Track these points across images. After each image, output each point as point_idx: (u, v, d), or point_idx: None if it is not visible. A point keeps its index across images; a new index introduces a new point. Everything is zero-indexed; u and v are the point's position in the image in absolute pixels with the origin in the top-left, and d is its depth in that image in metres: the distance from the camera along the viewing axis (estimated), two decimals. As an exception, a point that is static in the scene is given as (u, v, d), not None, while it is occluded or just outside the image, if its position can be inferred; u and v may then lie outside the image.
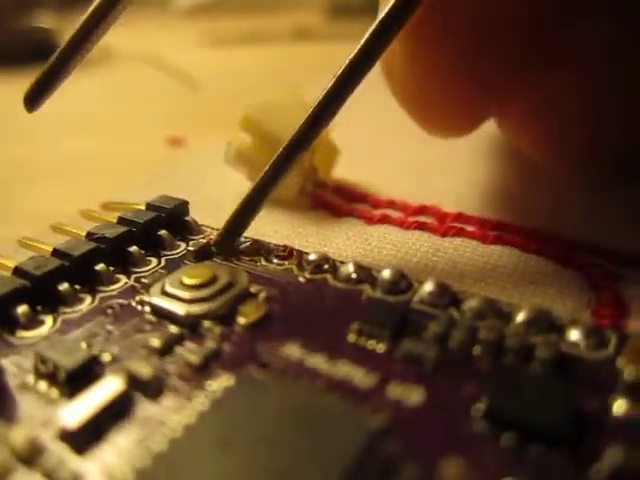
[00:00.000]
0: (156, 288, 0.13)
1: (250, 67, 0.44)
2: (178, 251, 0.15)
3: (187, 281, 0.12)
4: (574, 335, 0.10)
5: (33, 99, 0.14)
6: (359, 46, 0.13)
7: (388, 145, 0.23)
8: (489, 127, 0.16)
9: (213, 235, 0.15)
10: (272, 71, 0.41)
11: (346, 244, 0.16)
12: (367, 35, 0.13)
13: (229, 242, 0.14)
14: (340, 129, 0.19)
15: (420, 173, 0.20)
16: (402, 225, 0.17)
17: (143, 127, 0.31)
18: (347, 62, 0.13)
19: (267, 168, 0.14)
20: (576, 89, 0.14)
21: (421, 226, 0.16)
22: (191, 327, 0.11)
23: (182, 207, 0.16)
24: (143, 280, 0.13)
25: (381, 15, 0.13)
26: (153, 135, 0.28)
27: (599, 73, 0.14)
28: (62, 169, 0.25)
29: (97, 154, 0.27)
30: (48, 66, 0.14)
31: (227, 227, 0.14)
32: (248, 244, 0.15)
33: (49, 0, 0.57)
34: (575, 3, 0.13)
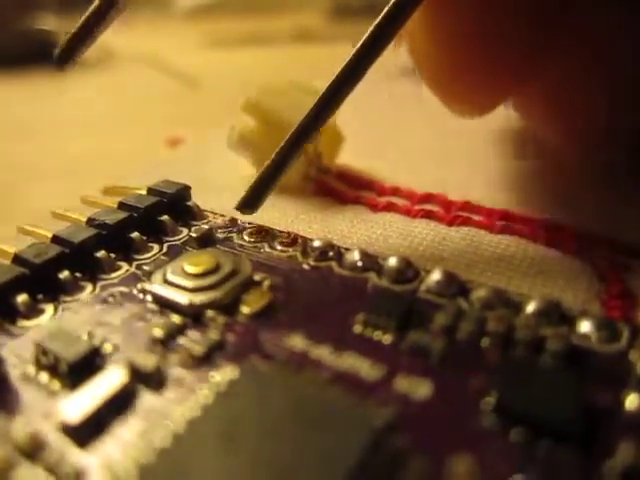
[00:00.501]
0: (158, 276, 0.12)
1: (251, 68, 0.44)
2: (180, 237, 0.14)
3: (189, 269, 0.12)
4: (585, 327, 0.10)
5: (64, 57, 0.15)
6: (370, 29, 0.13)
7: (394, 132, 0.23)
8: (498, 116, 0.16)
9: (217, 220, 0.15)
10: (273, 72, 0.40)
11: (351, 231, 0.16)
12: (379, 18, 0.13)
13: (255, 200, 0.14)
14: (346, 115, 0.19)
15: (426, 161, 0.20)
16: (408, 213, 0.16)
17: (144, 128, 0.31)
18: (359, 45, 0.13)
19: (293, 130, 0.14)
20: (591, 69, 0.14)
21: (427, 214, 0.16)
22: (194, 317, 0.11)
23: (184, 192, 0.16)
24: (145, 267, 0.13)
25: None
26: (154, 136, 0.28)
27: (614, 54, 0.13)
28: (63, 169, 0.25)
29: (98, 154, 0.26)
30: (82, 22, 0.14)
31: (254, 185, 0.14)
32: (251, 230, 0.14)
33: (50, 2, 0.56)
34: None
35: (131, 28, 0.60)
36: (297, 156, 0.14)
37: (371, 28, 0.13)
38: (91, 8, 0.14)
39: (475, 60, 0.14)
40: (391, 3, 0.13)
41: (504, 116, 0.17)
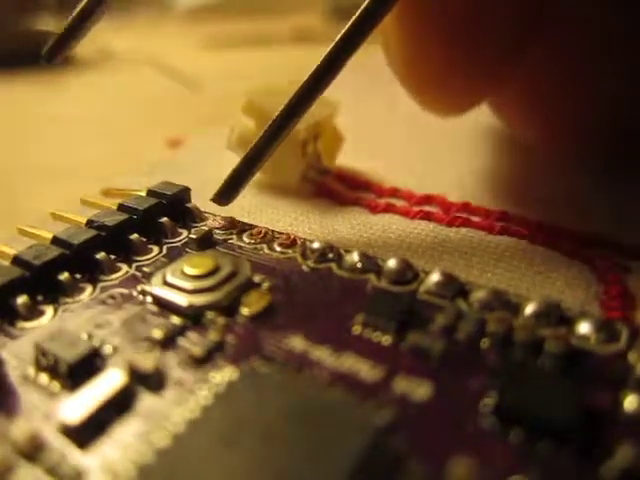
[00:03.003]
0: (157, 278, 0.12)
1: (250, 69, 0.44)
2: (180, 239, 0.15)
3: (189, 271, 0.12)
4: (584, 328, 0.10)
5: (52, 52, 0.15)
6: (351, 21, 0.13)
7: (393, 133, 0.23)
8: (494, 119, 0.16)
9: (216, 222, 0.15)
10: (273, 73, 0.40)
11: (350, 233, 0.16)
12: (358, 12, 0.13)
13: (229, 193, 0.14)
14: (345, 117, 0.19)
15: (425, 162, 0.20)
16: (407, 214, 0.16)
17: (144, 128, 0.31)
18: (339, 36, 0.13)
19: (267, 126, 0.14)
20: (565, 69, 0.14)
21: (426, 216, 0.16)
22: (194, 318, 0.11)
23: (184, 193, 0.16)
24: (144, 269, 0.13)
25: None
26: (154, 136, 0.28)
27: (588, 54, 0.13)
28: (63, 169, 0.25)
29: (97, 155, 0.26)
30: (69, 21, 0.15)
31: (229, 180, 0.14)
32: (251, 231, 0.14)
33: (50, 3, 0.56)
34: None
35: (131, 29, 0.60)
36: (274, 149, 0.14)
37: (348, 24, 0.13)
38: (80, 6, 0.14)
39: (450, 60, 0.14)
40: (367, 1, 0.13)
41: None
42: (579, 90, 0.14)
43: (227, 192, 0.14)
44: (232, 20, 0.64)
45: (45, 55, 0.15)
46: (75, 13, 0.15)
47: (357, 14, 0.13)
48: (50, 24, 0.51)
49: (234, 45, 0.54)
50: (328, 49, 0.13)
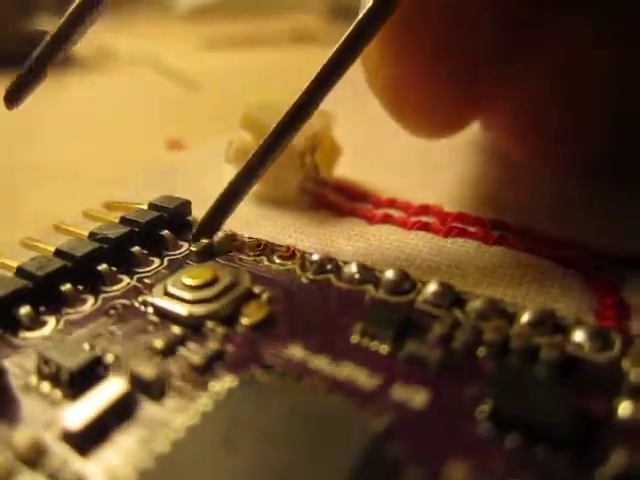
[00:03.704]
0: (159, 289, 0.12)
1: (250, 70, 0.44)
2: (181, 251, 0.15)
3: (189, 282, 0.12)
4: (579, 336, 0.10)
5: (13, 97, 0.15)
6: (341, 41, 0.13)
7: (390, 144, 0.23)
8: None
9: (216, 234, 0.15)
10: (272, 74, 0.41)
11: (348, 244, 0.16)
12: (348, 32, 0.13)
13: (212, 227, 0.15)
14: (343, 128, 0.19)
15: (422, 172, 0.20)
16: (404, 225, 0.17)
17: (144, 130, 0.31)
18: (331, 55, 0.14)
19: (251, 155, 0.14)
20: (551, 88, 0.14)
21: (423, 226, 0.16)
22: (194, 328, 0.11)
23: (184, 207, 0.16)
24: (146, 280, 0.13)
25: (361, 13, 0.13)
26: (154, 138, 0.28)
27: (573, 72, 0.14)
28: (63, 171, 0.25)
29: (97, 156, 0.27)
30: (28, 65, 0.15)
31: (210, 213, 0.15)
32: (250, 244, 0.15)
33: (50, 4, 0.57)
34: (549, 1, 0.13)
35: (130, 29, 0.61)
36: (256, 180, 0.14)
37: (345, 36, 0.13)
38: (41, 45, 0.15)
39: (433, 83, 0.14)
40: (359, 17, 0.13)
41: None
42: (565, 107, 0.14)
43: (209, 226, 0.15)
44: (232, 20, 0.65)
45: (7, 98, 0.15)
46: (37, 50, 0.15)
47: (353, 26, 0.13)
48: (50, 24, 0.52)
49: (234, 45, 0.54)
50: (324, 62, 0.14)
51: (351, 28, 0.13)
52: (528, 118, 0.15)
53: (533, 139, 0.15)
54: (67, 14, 0.15)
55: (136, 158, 0.25)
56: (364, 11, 0.13)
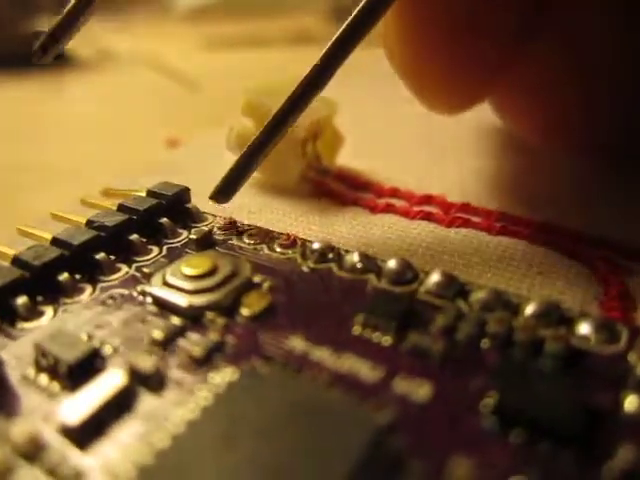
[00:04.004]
0: (157, 278, 0.12)
1: (250, 69, 0.44)
2: (180, 239, 0.15)
3: (189, 271, 0.12)
4: (584, 329, 0.10)
5: (43, 51, 0.15)
6: (345, 24, 0.13)
7: (393, 133, 0.23)
8: (495, 119, 0.16)
9: (216, 222, 0.15)
10: (272, 74, 0.40)
11: (350, 233, 0.16)
12: (355, 11, 0.13)
13: (228, 191, 0.14)
14: (345, 116, 0.19)
15: (425, 162, 0.20)
16: (407, 215, 0.16)
17: (143, 129, 0.31)
18: (337, 34, 0.13)
19: (265, 124, 0.14)
20: (567, 68, 0.14)
21: (426, 216, 0.16)
22: (193, 318, 0.11)
23: (183, 194, 0.16)
24: (144, 269, 0.13)
25: None
26: (153, 137, 0.28)
27: (590, 51, 0.13)
28: (63, 170, 0.25)
29: (97, 155, 0.26)
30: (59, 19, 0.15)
31: (227, 178, 0.14)
32: (251, 232, 0.14)
33: (49, 5, 0.56)
34: None
35: (130, 29, 0.60)
36: (272, 146, 0.14)
37: (346, 22, 0.13)
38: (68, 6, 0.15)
39: (452, 59, 0.14)
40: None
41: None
42: (581, 88, 0.14)
43: (225, 190, 0.14)
44: (232, 20, 0.65)
45: (35, 54, 0.15)
46: (64, 12, 0.15)
47: (355, 13, 0.13)
48: (50, 25, 0.51)
49: (234, 45, 0.54)
50: (326, 47, 0.13)
51: (358, 8, 0.13)
52: (543, 98, 0.15)
53: (547, 119, 0.15)
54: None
55: (136, 158, 0.25)
56: None
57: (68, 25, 0.15)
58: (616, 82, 0.14)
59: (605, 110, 0.15)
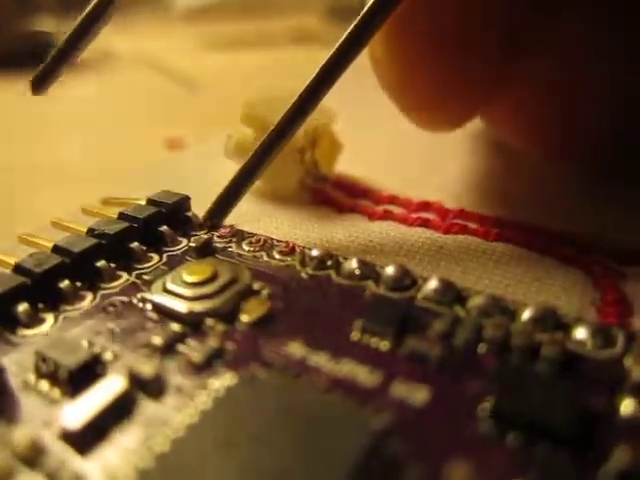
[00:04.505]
0: (158, 285, 0.12)
1: (249, 70, 0.44)
2: (180, 247, 0.15)
3: (189, 278, 0.12)
4: (580, 333, 0.10)
5: (39, 83, 0.15)
6: (343, 37, 0.13)
7: (390, 140, 0.23)
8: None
9: (216, 230, 0.15)
10: (271, 74, 0.41)
11: (348, 240, 0.16)
12: (351, 26, 0.13)
13: (218, 216, 0.15)
14: (343, 124, 0.19)
15: (422, 169, 0.20)
16: (404, 222, 0.16)
17: (143, 129, 0.31)
18: (333, 51, 0.13)
19: (256, 148, 0.14)
20: (556, 84, 0.14)
21: (424, 223, 0.16)
22: (193, 325, 0.11)
23: (183, 202, 0.16)
24: (144, 277, 0.13)
25: (366, 6, 0.13)
26: (153, 138, 0.28)
27: (577, 69, 0.14)
28: (62, 171, 0.25)
29: (97, 156, 0.27)
30: (54, 52, 0.15)
31: (217, 202, 0.15)
32: (250, 239, 0.15)
33: (49, 4, 0.57)
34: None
35: (130, 29, 0.60)
36: (267, 165, 0.14)
37: (347, 32, 0.13)
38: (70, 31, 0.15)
39: (441, 80, 0.14)
40: (363, 11, 0.13)
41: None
42: (570, 103, 0.14)
43: (218, 211, 0.15)
44: (232, 20, 0.65)
45: (33, 84, 0.15)
46: (64, 38, 0.15)
47: (354, 23, 0.13)
48: (50, 24, 0.51)
49: (234, 45, 0.54)
50: (326, 58, 0.13)
51: (356, 20, 0.13)
52: (532, 112, 0.15)
53: (536, 132, 0.15)
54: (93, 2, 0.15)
55: (136, 158, 0.25)
56: (369, 3, 0.13)
57: (64, 57, 0.15)
58: (604, 97, 0.14)
59: (593, 124, 0.15)
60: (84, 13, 0.15)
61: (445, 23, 0.14)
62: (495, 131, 0.18)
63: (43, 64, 0.15)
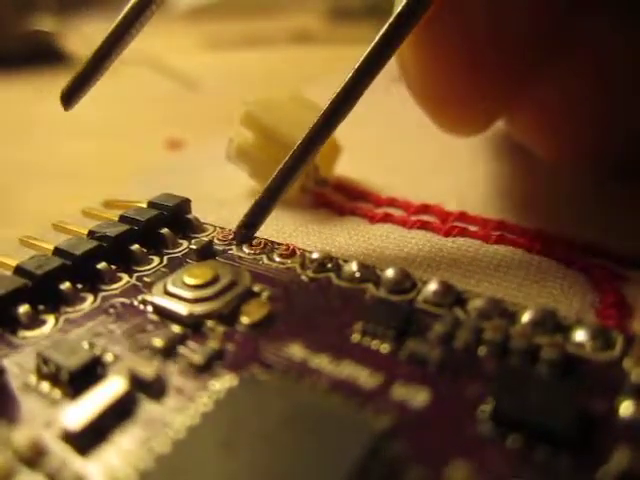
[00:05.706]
0: (158, 287, 0.12)
1: (250, 70, 0.44)
2: (180, 249, 0.15)
3: (189, 280, 0.12)
4: (580, 336, 0.10)
5: (69, 97, 0.15)
6: (372, 45, 0.13)
7: (390, 143, 0.23)
8: (493, 127, 0.16)
9: (216, 233, 0.15)
10: (272, 74, 0.41)
11: (348, 243, 0.16)
12: (380, 34, 0.13)
13: (249, 233, 0.15)
14: (343, 127, 0.19)
15: (422, 171, 0.20)
16: (404, 224, 0.16)
17: (143, 129, 0.31)
18: (360, 61, 0.13)
19: (282, 163, 0.14)
20: (586, 90, 0.14)
21: (424, 225, 0.16)
22: (194, 327, 0.11)
23: (184, 205, 0.16)
24: (145, 279, 0.13)
25: (395, 13, 0.13)
26: (153, 137, 0.28)
27: (608, 74, 0.14)
28: (62, 171, 0.25)
29: (97, 156, 0.27)
30: (83, 65, 0.15)
31: (247, 219, 0.15)
32: (251, 242, 0.15)
33: (49, 4, 0.57)
34: (587, 3, 0.13)
35: None
36: (294, 180, 0.14)
37: (375, 40, 0.13)
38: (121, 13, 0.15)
39: (471, 84, 0.14)
40: (392, 17, 0.13)
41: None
42: (600, 107, 0.14)
43: (249, 226, 0.15)
44: (232, 20, 0.65)
45: (63, 99, 0.15)
46: (91, 55, 0.15)
47: (387, 25, 0.13)
48: (50, 25, 0.51)
49: (234, 45, 0.54)
50: (346, 79, 0.13)
51: (385, 27, 0.13)
52: (558, 116, 0.15)
53: (561, 137, 0.15)
54: (123, 12, 0.15)
55: (136, 158, 0.25)
56: (398, 9, 0.13)
57: (94, 70, 0.15)
58: (632, 104, 0.14)
59: (622, 128, 0.15)
60: (115, 22, 0.15)
61: (477, 27, 0.14)
62: (517, 133, 0.17)
63: (71, 78, 0.15)
